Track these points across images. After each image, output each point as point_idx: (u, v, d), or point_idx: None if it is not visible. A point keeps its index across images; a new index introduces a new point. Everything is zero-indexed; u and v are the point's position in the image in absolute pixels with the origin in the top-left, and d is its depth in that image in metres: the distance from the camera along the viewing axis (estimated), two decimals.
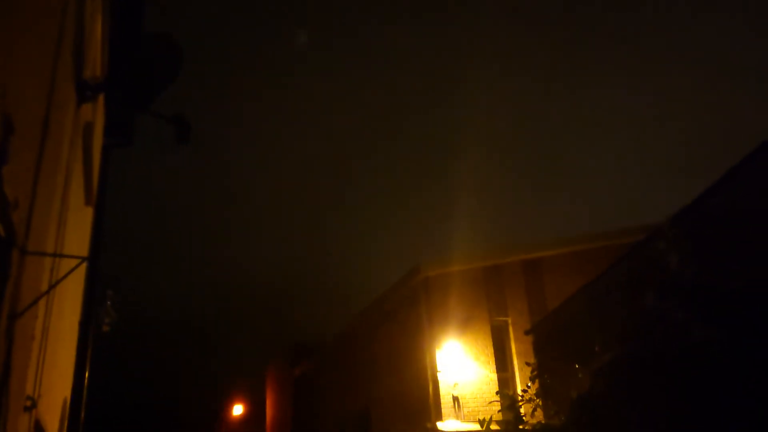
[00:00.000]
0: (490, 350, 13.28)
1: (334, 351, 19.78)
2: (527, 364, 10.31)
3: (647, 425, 7.33)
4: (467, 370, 12.90)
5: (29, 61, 2.87)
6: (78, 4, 3.67)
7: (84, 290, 6.21)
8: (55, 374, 4.58)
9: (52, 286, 3.43)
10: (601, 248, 13.36)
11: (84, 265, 5.77)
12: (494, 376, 13.02)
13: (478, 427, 8.99)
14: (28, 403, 3.24)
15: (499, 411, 9.12)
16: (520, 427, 8.65)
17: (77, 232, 5.30)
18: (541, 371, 9.72)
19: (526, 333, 12.50)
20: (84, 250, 6.06)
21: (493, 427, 8.79)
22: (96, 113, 5.51)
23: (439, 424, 12.33)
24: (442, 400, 12.55)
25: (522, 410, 8.93)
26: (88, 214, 6.25)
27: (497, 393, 10.75)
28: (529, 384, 9.45)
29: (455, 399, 12.57)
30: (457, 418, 12.40)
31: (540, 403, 9.31)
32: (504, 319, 13.74)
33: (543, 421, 9.11)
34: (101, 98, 5.78)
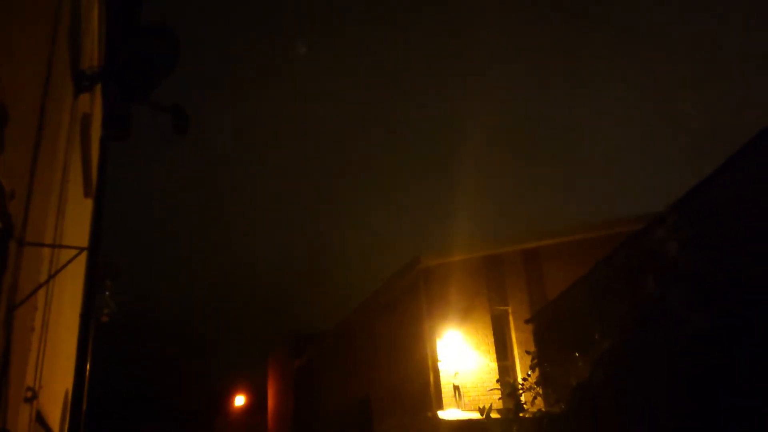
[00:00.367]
0: (491, 339, 13.32)
1: (335, 341, 19.84)
2: (527, 352, 10.35)
3: (647, 412, 7.36)
4: (468, 359, 12.94)
5: (25, 51, 2.86)
6: None
7: (84, 282, 6.21)
8: (56, 366, 4.59)
9: (51, 276, 3.43)
10: (601, 237, 13.36)
11: (84, 256, 5.77)
12: (495, 365, 13.06)
13: (478, 415, 9.02)
14: (29, 395, 3.24)
15: (499, 399, 9.16)
16: (521, 414, 8.68)
17: (77, 224, 5.29)
18: (541, 360, 9.75)
19: (527, 322, 12.53)
20: (84, 242, 6.05)
21: (494, 415, 8.82)
22: (94, 105, 5.49)
23: (440, 413, 12.38)
24: (442, 389, 12.59)
25: (522, 398, 8.96)
26: (88, 206, 6.24)
27: (498, 381, 10.79)
28: (529, 372, 9.48)
29: (456, 388, 12.62)
30: (458, 406, 12.45)
31: (540, 391, 9.35)
32: (504, 308, 13.77)
33: (543, 409, 9.14)
34: (99, 90, 5.76)
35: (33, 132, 2.94)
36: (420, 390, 13.23)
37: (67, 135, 3.83)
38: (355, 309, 17.68)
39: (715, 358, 6.71)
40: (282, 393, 25.20)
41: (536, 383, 9.31)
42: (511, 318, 13.69)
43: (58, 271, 3.61)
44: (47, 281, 3.37)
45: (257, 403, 30.16)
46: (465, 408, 12.33)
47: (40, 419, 3.90)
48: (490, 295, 13.70)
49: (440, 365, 12.77)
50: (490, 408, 8.85)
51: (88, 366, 5.97)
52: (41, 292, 3.25)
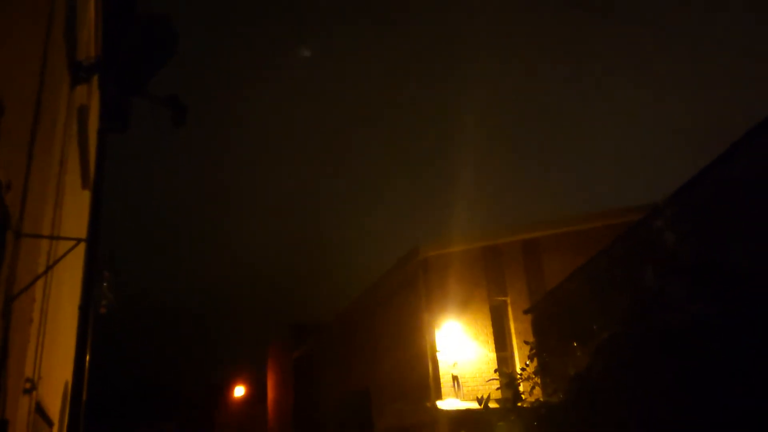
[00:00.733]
0: (489, 330, 13.36)
1: (334, 332, 19.88)
2: (526, 342, 10.37)
3: (645, 402, 7.38)
4: (466, 350, 12.98)
5: (20, 41, 2.84)
6: None
7: (83, 273, 6.21)
8: (55, 357, 4.59)
9: (49, 268, 3.42)
10: (600, 228, 13.37)
11: (83, 248, 5.77)
12: (493, 356, 13.11)
13: (477, 405, 9.05)
14: (28, 386, 3.25)
15: (497, 389, 9.17)
16: (519, 404, 8.71)
17: (75, 215, 5.29)
18: (539, 350, 9.76)
19: (525, 312, 12.56)
20: (82, 233, 6.05)
21: (492, 405, 8.84)
22: (91, 96, 5.47)
23: (439, 403, 12.43)
24: (441, 380, 12.65)
25: (521, 388, 8.97)
26: (86, 198, 6.23)
27: (496, 371, 10.81)
28: (527, 362, 9.49)
29: (455, 378, 12.67)
30: (457, 396, 12.51)
31: (538, 381, 9.36)
32: (503, 298, 13.80)
33: (541, 399, 9.17)
34: (96, 82, 5.73)
35: (29, 123, 2.93)
36: (419, 380, 13.28)
37: (64, 126, 3.82)
38: (355, 300, 17.72)
39: (713, 350, 6.72)
40: (281, 384, 25.28)
41: (534, 373, 9.33)
42: (509, 308, 13.72)
43: (55, 262, 3.61)
44: (45, 272, 3.36)
45: (257, 394, 30.27)
46: (463, 398, 12.38)
47: (39, 410, 3.91)
48: (489, 286, 13.73)
49: (439, 356, 12.81)
50: (489, 398, 8.86)
51: (87, 357, 5.99)
52: (39, 284, 3.25)
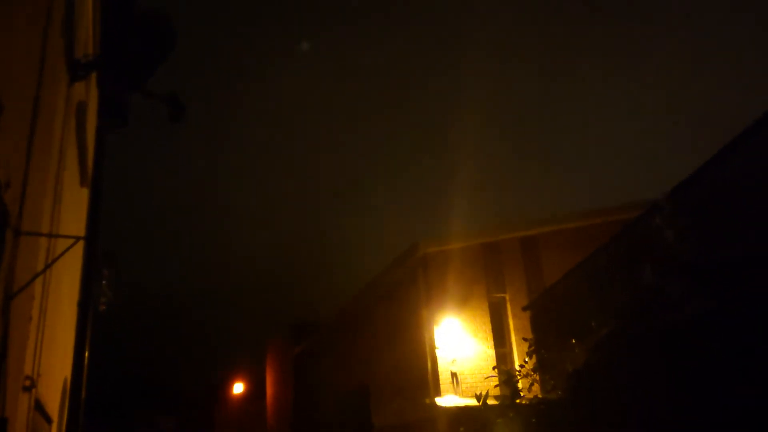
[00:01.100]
0: (488, 326, 13.38)
1: (333, 329, 19.90)
2: (524, 339, 10.37)
3: (643, 399, 7.40)
4: (465, 346, 13.00)
5: (18, 39, 2.84)
6: None
7: (82, 271, 6.21)
8: (54, 355, 4.60)
9: (47, 266, 3.43)
10: (599, 225, 13.39)
11: (81, 246, 5.77)
12: (492, 352, 13.13)
13: (475, 402, 9.06)
14: (27, 383, 3.26)
15: (496, 386, 9.19)
16: (517, 401, 8.72)
17: (74, 212, 5.29)
18: (538, 346, 9.78)
19: (524, 309, 12.57)
20: (81, 231, 6.04)
21: (491, 401, 8.86)
22: (89, 93, 5.47)
23: (438, 400, 12.46)
24: (440, 376, 12.67)
25: (519, 385, 8.98)
26: (85, 195, 6.23)
27: (495, 368, 10.84)
28: (526, 359, 9.51)
29: (453, 375, 12.69)
30: (455, 393, 12.53)
31: (537, 377, 9.38)
32: (502, 295, 13.82)
33: (540, 396, 9.19)
34: (94, 78, 5.72)
35: (27, 121, 2.93)
36: (418, 377, 13.30)
37: (63, 124, 3.81)
38: (354, 296, 17.73)
39: (711, 348, 6.74)
40: (281, 380, 25.31)
41: (533, 370, 9.34)
42: (508, 305, 13.75)
43: (54, 260, 3.61)
44: (44, 270, 3.37)
45: (256, 390, 30.29)
46: (462, 395, 12.40)
47: (39, 407, 3.92)
48: (488, 283, 13.75)
49: (438, 352, 12.83)
50: (487, 394, 8.87)
51: (86, 355, 5.99)
52: (38, 282, 3.25)
